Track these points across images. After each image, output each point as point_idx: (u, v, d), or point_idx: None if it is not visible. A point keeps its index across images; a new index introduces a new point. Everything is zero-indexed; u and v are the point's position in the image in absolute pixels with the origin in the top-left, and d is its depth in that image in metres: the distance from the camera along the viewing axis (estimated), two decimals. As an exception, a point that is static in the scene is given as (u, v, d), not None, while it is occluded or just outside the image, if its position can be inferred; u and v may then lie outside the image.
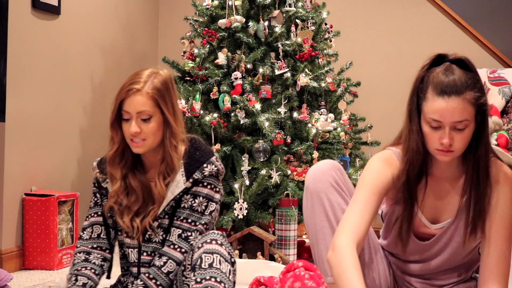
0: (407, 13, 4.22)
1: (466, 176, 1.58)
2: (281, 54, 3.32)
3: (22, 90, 3.01)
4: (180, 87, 3.31)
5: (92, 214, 1.88)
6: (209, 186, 1.78)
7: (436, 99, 1.48)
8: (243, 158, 3.13)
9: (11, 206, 2.93)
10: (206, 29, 3.39)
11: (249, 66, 3.29)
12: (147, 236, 1.80)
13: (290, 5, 3.39)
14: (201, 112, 3.24)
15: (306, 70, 3.31)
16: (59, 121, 3.31)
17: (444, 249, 1.65)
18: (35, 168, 3.11)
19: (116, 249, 1.91)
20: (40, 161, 3.15)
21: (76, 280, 1.77)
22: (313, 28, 3.45)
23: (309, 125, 3.23)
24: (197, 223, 1.76)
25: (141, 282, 1.72)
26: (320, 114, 3.28)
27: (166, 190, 1.76)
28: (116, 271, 1.95)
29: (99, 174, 1.88)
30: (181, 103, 3.22)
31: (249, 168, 3.12)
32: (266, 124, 3.12)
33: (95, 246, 1.84)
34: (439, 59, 1.55)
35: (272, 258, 2.97)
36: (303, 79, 3.24)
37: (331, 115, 3.31)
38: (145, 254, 1.80)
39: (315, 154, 3.15)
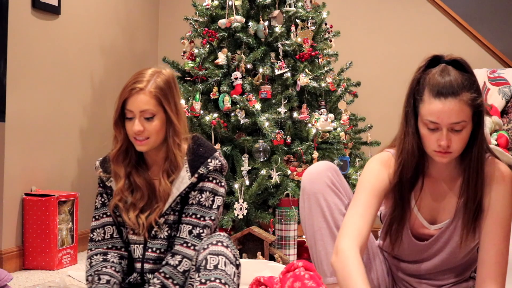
0: (407, 13, 4.22)
1: (464, 176, 1.58)
2: (281, 54, 3.32)
3: (22, 90, 3.01)
4: (180, 87, 3.31)
5: (101, 215, 1.88)
6: (214, 181, 1.81)
7: (433, 101, 1.48)
8: (243, 158, 3.13)
9: (11, 206, 2.93)
10: (206, 29, 3.40)
11: (249, 66, 3.29)
12: (153, 232, 1.81)
13: (290, 5, 3.39)
14: (201, 112, 3.24)
15: (306, 70, 3.31)
16: (59, 121, 3.31)
17: (443, 249, 1.65)
18: (35, 168, 3.11)
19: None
20: (40, 161, 3.15)
21: (99, 279, 1.78)
22: (313, 28, 3.45)
23: (309, 125, 3.23)
24: (206, 218, 1.78)
25: (158, 281, 1.73)
26: (320, 114, 3.28)
27: (171, 187, 1.79)
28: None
29: (103, 173, 1.89)
30: (181, 103, 3.22)
31: (249, 168, 3.13)
32: (266, 124, 3.12)
33: (110, 246, 1.85)
34: (435, 61, 1.55)
35: (272, 258, 2.97)
36: (303, 79, 3.24)
37: (331, 115, 3.32)
38: (149, 250, 1.82)
39: (315, 154, 3.15)
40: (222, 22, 3.31)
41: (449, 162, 1.57)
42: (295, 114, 3.26)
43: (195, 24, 3.54)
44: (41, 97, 3.16)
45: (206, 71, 3.30)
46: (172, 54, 3.86)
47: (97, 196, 1.91)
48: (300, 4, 3.44)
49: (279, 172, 3.09)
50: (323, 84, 3.32)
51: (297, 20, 3.42)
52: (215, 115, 3.21)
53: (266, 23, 3.35)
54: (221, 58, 3.29)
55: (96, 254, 1.84)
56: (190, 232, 1.77)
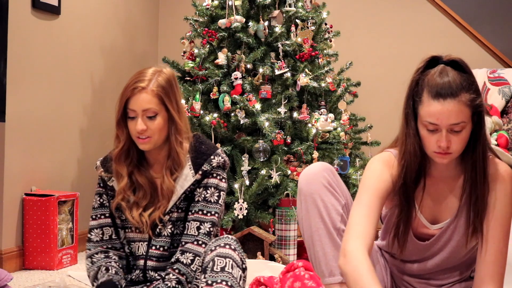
0: (407, 13, 4.22)
1: (465, 176, 1.58)
2: (281, 54, 3.32)
3: (22, 90, 3.01)
4: (180, 87, 3.30)
5: (99, 216, 1.88)
6: (218, 177, 1.84)
7: (432, 102, 1.48)
8: (243, 158, 3.13)
9: (11, 206, 2.93)
10: (206, 29, 3.40)
11: (249, 66, 3.29)
12: (157, 230, 1.82)
13: (290, 5, 3.39)
14: (201, 112, 3.24)
15: (306, 70, 3.31)
16: (59, 121, 3.32)
17: (444, 249, 1.65)
18: (35, 168, 3.11)
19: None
20: (40, 161, 3.15)
21: (107, 269, 1.78)
22: (313, 28, 3.45)
23: (309, 125, 3.23)
24: (212, 212, 1.80)
25: (174, 277, 1.74)
26: (320, 114, 3.28)
27: (174, 185, 1.80)
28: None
29: (104, 173, 1.89)
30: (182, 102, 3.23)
31: (249, 168, 3.13)
32: (266, 124, 3.12)
33: (109, 246, 1.86)
34: (433, 61, 1.55)
35: (272, 258, 2.97)
36: (303, 79, 3.24)
37: (331, 115, 3.32)
38: (153, 248, 1.83)
39: (315, 154, 3.15)
40: (222, 22, 3.31)
41: (450, 162, 1.57)
42: (295, 114, 3.26)
43: (195, 24, 3.54)
44: (41, 97, 3.16)
45: (206, 71, 3.30)
46: (172, 54, 3.86)
47: (95, 196, 1.91)
48: (300, 4, 3.44)
49: (279, 172, 3.09)
50: (323, 84, 3.33)
51: (297, 20, 3.42)
52: (215, 115, 3.21)
53: (266, 23, 3.35)
54: (221, 58, 3.29)
55: (97, 253, 1.85)
56: (198, 228, 1.79)
